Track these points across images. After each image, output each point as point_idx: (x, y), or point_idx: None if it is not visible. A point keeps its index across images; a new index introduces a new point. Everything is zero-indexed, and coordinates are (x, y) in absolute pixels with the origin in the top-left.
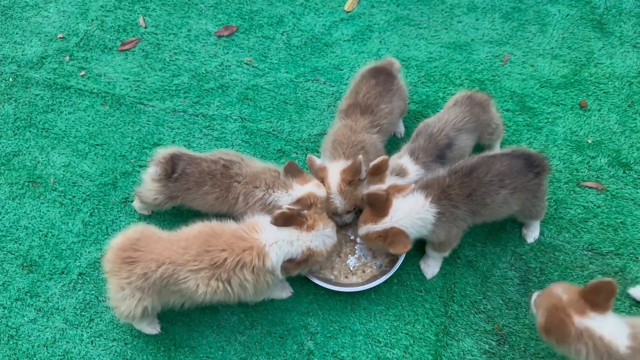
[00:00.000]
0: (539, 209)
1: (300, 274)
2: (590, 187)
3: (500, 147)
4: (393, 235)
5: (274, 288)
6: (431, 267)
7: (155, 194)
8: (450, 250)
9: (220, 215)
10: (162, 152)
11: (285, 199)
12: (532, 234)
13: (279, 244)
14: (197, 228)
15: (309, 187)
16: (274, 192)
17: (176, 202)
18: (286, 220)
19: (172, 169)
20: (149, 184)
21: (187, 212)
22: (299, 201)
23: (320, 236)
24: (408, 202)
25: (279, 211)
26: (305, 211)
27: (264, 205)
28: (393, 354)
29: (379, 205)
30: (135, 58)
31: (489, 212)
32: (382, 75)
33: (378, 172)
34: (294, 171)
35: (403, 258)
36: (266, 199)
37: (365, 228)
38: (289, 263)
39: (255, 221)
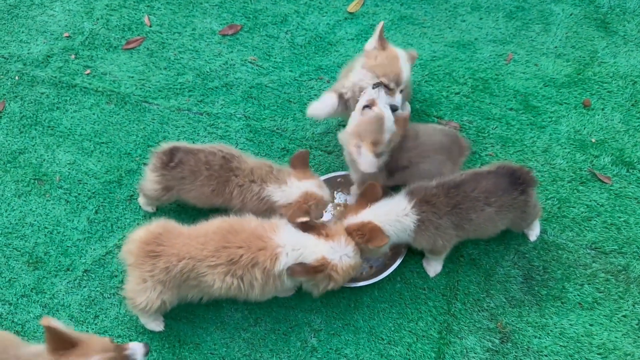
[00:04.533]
0: (532, 218)
1: (308, 288)
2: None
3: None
4: (370, 231)
5: (279, 291)
6: (434, 265)
7: (153, 184)
8: (444, 255)
9: (222, 210)
10: (163, 146)
11: (278, 193)
12: (534, 231)
13: (292, 247)
14: (216, 224)
15: (307, 186)
16: (267, 186)
17: (172, 193)
18: (305, 228)
19: (169, 159)
20: (147, 175)
21: (191, 210)
22: (296, 203)
23: (338, 251)
24: (391, 203)
25: (300, 220)
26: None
27: (259, 199)
28: (396, 351)
29: (374, 196)
30: (140, 57)
31: (473, 228)
32: None
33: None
34: (299, 163)
35: (405, 253)
36: (261, 194)
37: (347, 220)
38: (298, 265)
39: (276, 222)
